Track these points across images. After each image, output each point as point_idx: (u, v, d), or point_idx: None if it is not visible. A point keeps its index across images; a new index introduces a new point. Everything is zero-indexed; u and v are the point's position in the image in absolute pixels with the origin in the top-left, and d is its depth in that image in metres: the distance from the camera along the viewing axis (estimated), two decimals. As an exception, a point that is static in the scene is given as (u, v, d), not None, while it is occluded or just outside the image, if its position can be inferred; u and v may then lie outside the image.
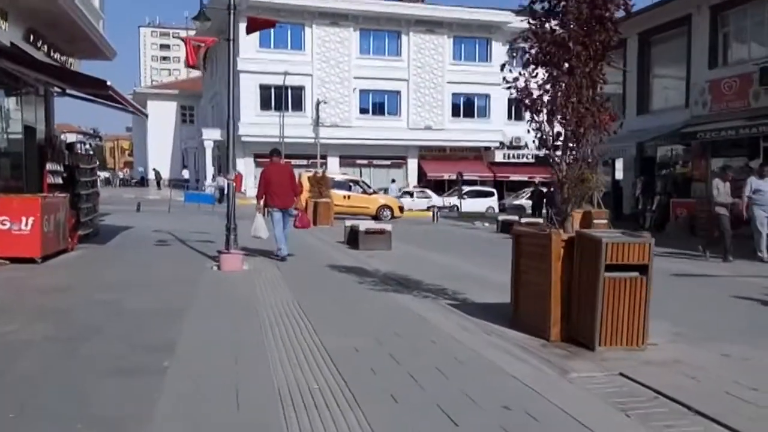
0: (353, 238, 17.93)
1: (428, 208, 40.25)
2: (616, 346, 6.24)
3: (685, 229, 22.35)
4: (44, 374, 5.48)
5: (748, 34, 22.12)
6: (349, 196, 31.05)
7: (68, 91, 16.13)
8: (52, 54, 17.18)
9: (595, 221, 18.34)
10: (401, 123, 52.67)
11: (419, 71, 52.57)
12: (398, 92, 52.59)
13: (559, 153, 7.04)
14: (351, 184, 33.11)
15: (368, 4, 50.67)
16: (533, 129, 7.16)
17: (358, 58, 51.41)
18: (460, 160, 52.50)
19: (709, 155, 22.96)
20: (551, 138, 7.03)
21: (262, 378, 5.40)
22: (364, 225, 17.32)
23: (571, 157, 6.92)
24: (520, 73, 7.07)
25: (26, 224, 11.89)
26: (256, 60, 48.37)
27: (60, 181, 14.75)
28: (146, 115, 17.44)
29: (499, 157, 53.59)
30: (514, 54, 7.47)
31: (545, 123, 7.01)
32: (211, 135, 54.97)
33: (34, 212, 11.97)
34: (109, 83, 12.34)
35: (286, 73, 45.26)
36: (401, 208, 33.58)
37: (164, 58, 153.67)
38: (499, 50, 53.76)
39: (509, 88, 7.21)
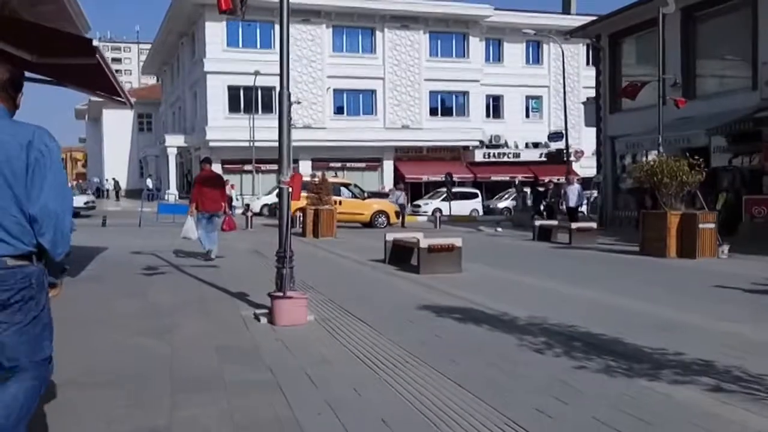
0: (401, 257, 13.30)
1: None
2: None
3: (767, 229, 18.12)
4: None
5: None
6: (340, 202, 26.12)
7: (27, 74, 11.03)
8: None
9: (700, 226, 14.04)
10: (377, 123, 47.82)
11: (395, 69, 47.77)
12: (374, 91, 47.71)
13: None
14: (342, 188, 28.37)
15: (341, -1, 45.81)
16: None
17: (331, 57, 46.48)
18: (438, 160, 48.10)
19: (790, 144, 18.77)
20: None
21: None
22: (424, 240, 12.40)
23: None
24: None
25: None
26: (223, 60, 43.55)
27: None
28: (131, 104, 12.88)
29: (479, 156, 49.12)
30: None
31: None
32: (175, 141, 50.61)
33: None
34: (95, 43, 7.50)
35: (257, 73, 39.97)
36: (398, 214, 29.25)
37: (117, 71, 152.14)
38: (477, 45, 49.59)
39: None
